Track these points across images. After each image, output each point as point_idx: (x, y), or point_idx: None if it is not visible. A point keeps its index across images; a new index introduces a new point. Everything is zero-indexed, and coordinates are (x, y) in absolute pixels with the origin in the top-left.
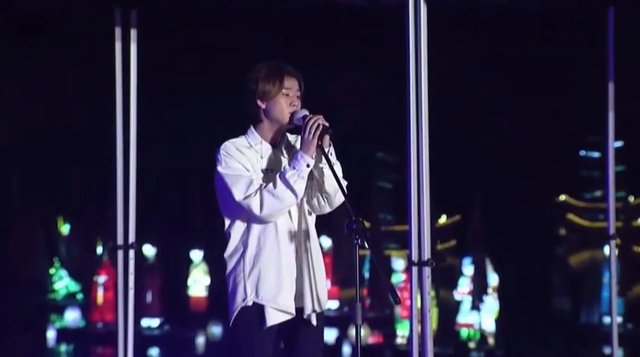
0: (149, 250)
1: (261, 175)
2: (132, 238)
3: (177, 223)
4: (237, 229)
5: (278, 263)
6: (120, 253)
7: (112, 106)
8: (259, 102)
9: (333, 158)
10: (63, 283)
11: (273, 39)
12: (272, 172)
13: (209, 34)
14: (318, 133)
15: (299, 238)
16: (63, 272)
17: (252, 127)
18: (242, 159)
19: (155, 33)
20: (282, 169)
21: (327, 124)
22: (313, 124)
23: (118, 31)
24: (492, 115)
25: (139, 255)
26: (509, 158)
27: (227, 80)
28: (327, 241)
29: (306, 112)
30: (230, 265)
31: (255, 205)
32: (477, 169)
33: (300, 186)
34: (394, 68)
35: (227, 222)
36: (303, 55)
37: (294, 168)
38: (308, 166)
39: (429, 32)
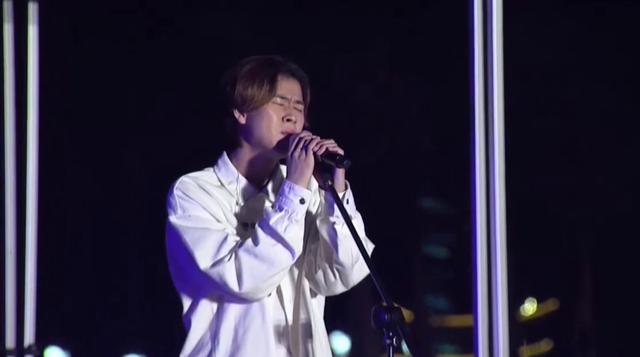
0: None
1: (238, 229)
2: (29, 339)
3: (100, 312)
4: (202, 314)
5: None
6: None
7: None
8: (237, 113)
9: (350, 208)
10: None
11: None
12: (255, 226)
13: (167, 22)
14: (314, 148)
15: (294, 336)
16: None
17: (224, 155)
18: (209, 204)
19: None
20: (264, 215)
21: (341, 152)
22: (310, 140)
23: (7, 5)
24: (606, 137)
25: None
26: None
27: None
28: (342, 342)
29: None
30: None
31: (230, 276)
32: (584, 225)
33: (296, 235)
34: (451, 71)
35: (186, 304)
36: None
37: (280, 208)
38: (302, 201)
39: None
